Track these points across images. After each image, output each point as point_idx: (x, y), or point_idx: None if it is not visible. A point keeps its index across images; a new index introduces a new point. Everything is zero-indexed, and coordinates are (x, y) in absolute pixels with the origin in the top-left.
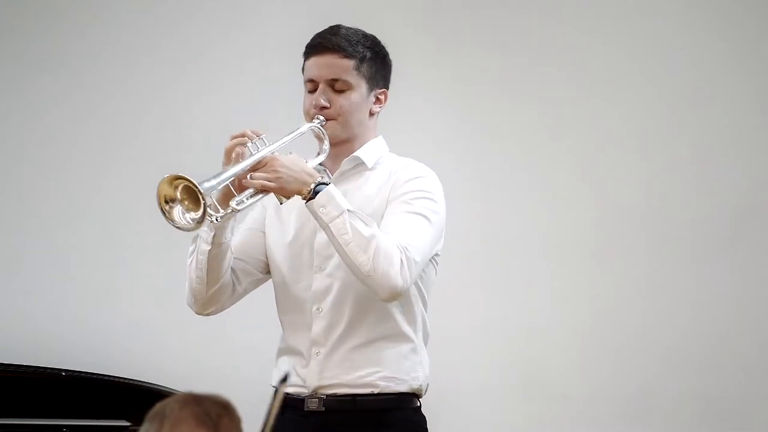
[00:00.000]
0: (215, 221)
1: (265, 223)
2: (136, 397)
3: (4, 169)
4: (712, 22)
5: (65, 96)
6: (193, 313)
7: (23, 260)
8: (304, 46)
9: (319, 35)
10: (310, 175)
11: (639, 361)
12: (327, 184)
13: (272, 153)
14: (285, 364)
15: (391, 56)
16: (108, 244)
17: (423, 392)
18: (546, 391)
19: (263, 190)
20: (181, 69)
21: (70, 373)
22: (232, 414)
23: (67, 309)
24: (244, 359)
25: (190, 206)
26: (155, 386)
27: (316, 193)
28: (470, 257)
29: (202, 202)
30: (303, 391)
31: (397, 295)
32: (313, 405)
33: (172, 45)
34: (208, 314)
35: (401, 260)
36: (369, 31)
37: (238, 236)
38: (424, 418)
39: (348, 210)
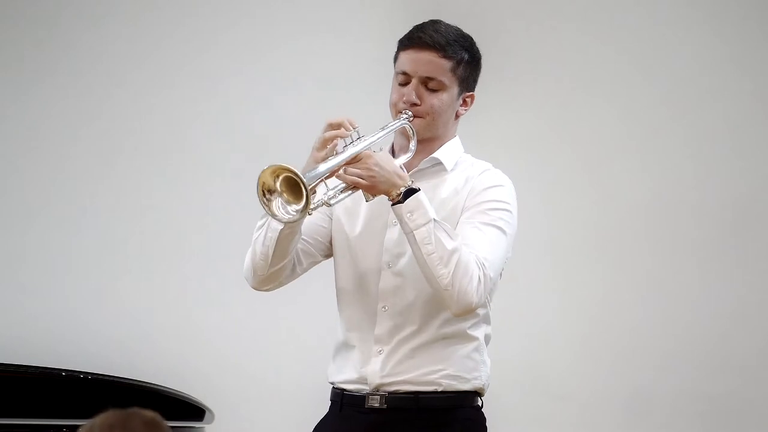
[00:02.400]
0: (310, 213)
1: (333, 210)
2: (136, 397)
3: (4, 169)
4: (713, 22)
5: (65, 96)
6: (250, 287)
7: (23, 260)
8: (398, 38)
9: (419, 29)
10: (401, 178)
11: (639, 362)
12: (417, 190)
13: (367, 149)
14: (347, 363)
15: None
16: (108, 244)
17: (485, 391)
18: (546, 391)
19: (354, 186)
20: (181, 70)
21: (70, 373)
22: (161, 431)
23: (67, 309)
24: (243, 359)
25: (290, 198)
26: (155, 386)
27: (405, 197)
28: None
29: (305, 194)
30: (364, 388)
31: (470, 312)
32: (374, 402)
33: (172, 45)
34: (265, 290)
35: (479, 278)
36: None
37: None
38: (484, 417)
39: (434, 219)
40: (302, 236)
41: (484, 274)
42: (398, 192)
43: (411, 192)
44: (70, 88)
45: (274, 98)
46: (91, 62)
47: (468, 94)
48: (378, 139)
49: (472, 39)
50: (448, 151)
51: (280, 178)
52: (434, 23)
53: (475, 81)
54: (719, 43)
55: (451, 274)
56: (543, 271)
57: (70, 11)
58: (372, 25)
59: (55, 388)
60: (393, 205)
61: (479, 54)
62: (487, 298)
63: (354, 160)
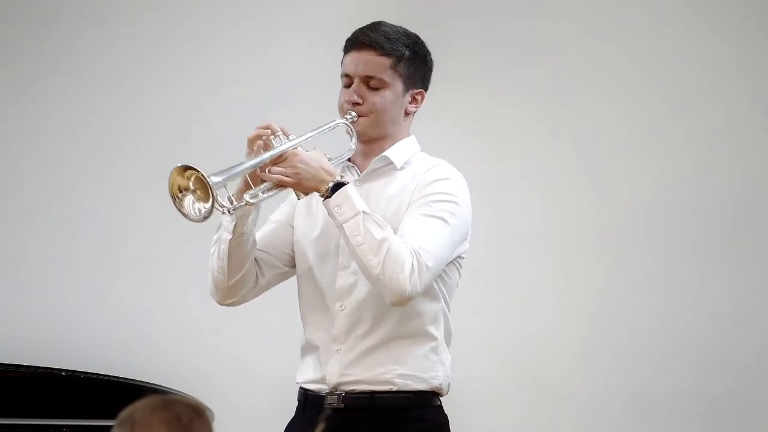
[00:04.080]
0: (228, 213)
1: (294, 217)
2: (135, 397)
3: (4, 169)
4: (713, 22)
5: (65, 96)
6: (216, 303)
7: (23, 260)
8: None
9: (358, 30)
10: (329, 173)
11: (639, 362)
12: (345, 184)
13: (294, 148)
14: (310, 363)
15: None
16: (108, 244)
17: (444, 391)
18: (546, 391)
19: (281, 185)
20: (181, 70)
21: (70, 373)
22: (204, 418)
23: (67, 309)
24: (243, 359)
25: (201, 197)
26: (155, 386)
27: (333, 191)
28: (470, 258)
29: (211, 194)
30: (323, 387)
31: (405, 301)
32: (333, 402)
33: (172, 45)
34: (229, 305)
35: (412, 265)
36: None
37: (265, 228)
38: (445, 417)
39: (363, 212)
40: (262, 248)
41: (419, 262)
42: (326, 187)
43: (339, 186)
44: (70, 88)
45: (274, 98)
46: (91, 62)
47: (416, 91)
48: (308, 138)
49: (417, 37)
50: (399, 150)
51: (192, 177)
52: (375, 24)
53: (423, 78)
54: (719, 43)
55: (381, 263)
56: (543, 271)
57: (70, 11)
58: None
59: (55, 388)
60: (324, 200)
61: (425, 51)
62: (444, 293)
63: (279, 159)
